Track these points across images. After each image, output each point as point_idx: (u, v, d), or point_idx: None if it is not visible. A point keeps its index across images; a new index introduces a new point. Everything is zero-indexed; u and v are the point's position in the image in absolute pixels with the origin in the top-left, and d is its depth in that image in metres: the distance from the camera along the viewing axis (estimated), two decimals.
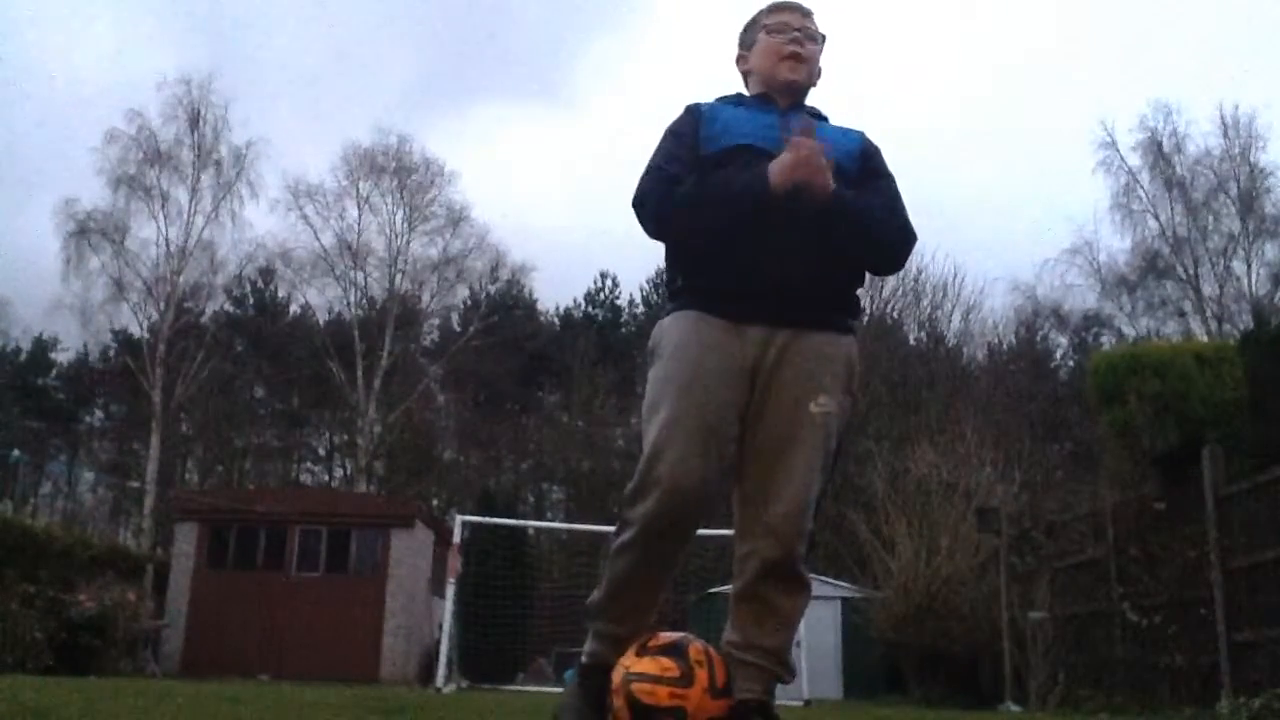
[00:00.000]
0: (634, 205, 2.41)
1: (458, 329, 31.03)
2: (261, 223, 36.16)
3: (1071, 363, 29.12)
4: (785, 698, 11.14)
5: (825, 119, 2.59)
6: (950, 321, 26.23)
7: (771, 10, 2.60)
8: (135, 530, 24.73)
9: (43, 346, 33.38)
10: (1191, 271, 25.02)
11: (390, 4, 41.86)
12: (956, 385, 22.45)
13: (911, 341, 25.74)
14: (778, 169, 2.24)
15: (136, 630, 13.18)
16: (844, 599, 15.12)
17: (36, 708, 3.34)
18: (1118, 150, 25.69)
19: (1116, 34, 38.40)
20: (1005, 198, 37.19)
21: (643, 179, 2.43)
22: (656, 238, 2.45)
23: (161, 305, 25.47)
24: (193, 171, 25.81)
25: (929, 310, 25.99)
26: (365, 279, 28.08)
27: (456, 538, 11.51)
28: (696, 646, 2.22)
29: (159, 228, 25.52)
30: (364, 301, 28.37)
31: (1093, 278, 26.33)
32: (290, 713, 3.84)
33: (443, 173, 28.11)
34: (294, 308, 31.52)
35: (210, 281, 26.79)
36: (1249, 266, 24.89)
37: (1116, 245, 28.85)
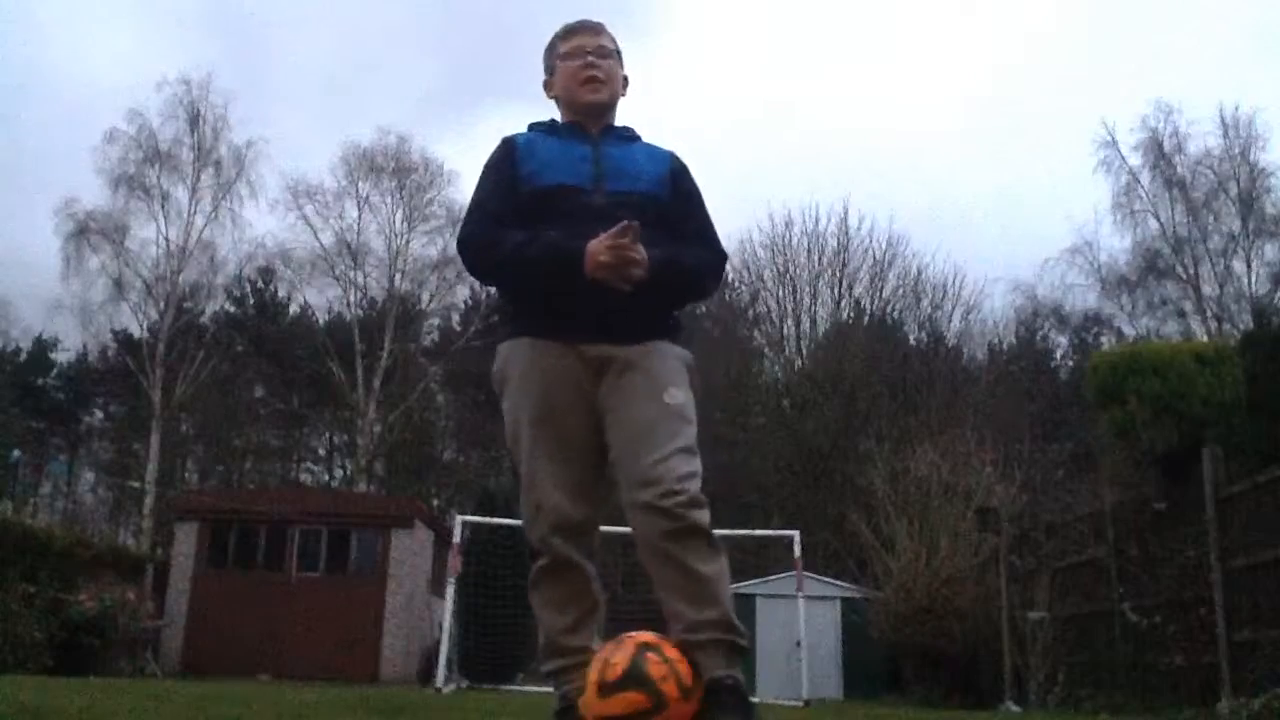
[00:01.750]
0: (458, 247, 2.52)
1: (458, 329, 31.03)
2: (261, 223, 36.21)
3: (1071, 363, 29.10)
4: (785, 697, 11.14)
5: (637, 138, 2.66)
6: (950, 321, 26.24)
7: (564, 36, 2.65)
8: (135, 530, 24.72)
9: (43, 346, 33.36)
10: (1191, 271, 25.02)
11: (398, 10, 41.85)
12: (956, 385, 22.44)
13: (911, 341, 25.73)
14: (591, 259, 2.31)
15: (136, 630, 13.17)
16: (844, 599, 15.12)
17: (36, 708, 3.34)
18: (1118, 150, 25.71)
19: (1117, 34, 38.40)
20: (1005, 197, 37.20)
21: (465, 220, 2.54)
22: (477, 280, 2.59)
23: (161, 305, 25.49)
24: (192, 171, 25.84)
25: (929, 310, 26.01)
26: (365, 279, 28.12)
27: (456, 538, 11.50)
28: (652, 658, 2.15)
29: (159, 227, 25.58)
30: (364, 301, 28.40)
31: (1093, 278, 26.34)
32: (290, 713, 3.84)
33: (442, 172, 28.16)
34: (294, 308, 31.58)
35: (210, 281, 26.86)
36: (1249, 266, 24.90)
37: (1117, 245, 28.88)
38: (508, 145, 2.57)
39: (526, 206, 2.45)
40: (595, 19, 2.68)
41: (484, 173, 2.57)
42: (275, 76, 41.46)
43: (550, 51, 2.67)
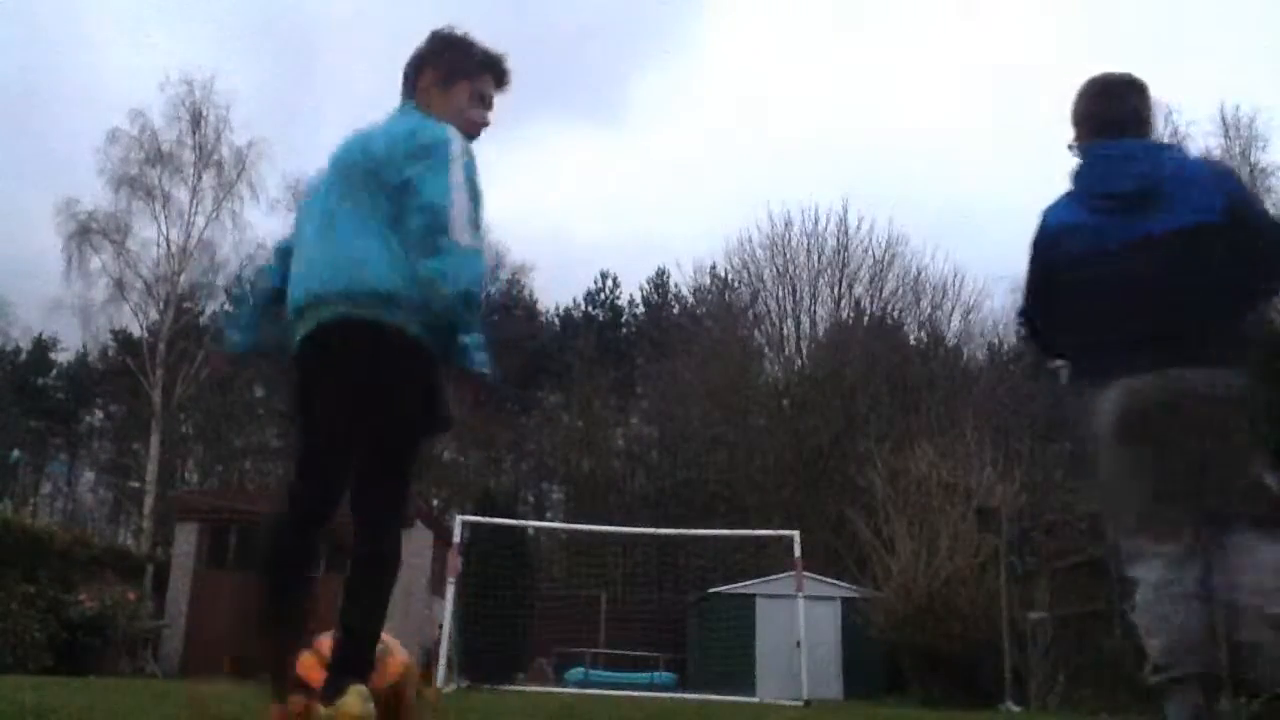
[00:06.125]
0: None
1: None
2: (262, 223, 36.13)
3: None
4: (785, 697, 11.14)
5: None
6: (950, 321, 26.22)
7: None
8: (135, 530, 24.71)
9: (43, 346, 33.36)
10: None
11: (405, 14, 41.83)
12: (956, 385, 22.43)
13: (911, 341, 25.72)
14: None
15: (136, 630, 13.16)
16: (844, 599, 15.11)
17: (36, 708, 3.34)
18: None
19: (1117, 33, 38.38)
20: (1006, 197, 37.16)
21: None
22: None
23: (162, 305, 25.48)
24: (194, 172, 25.81)
25: (929, 310, 26.00)
26: None
27: (456, 538, 11.51)
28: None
29: (160, 228, 25.52)
30: None
31: None
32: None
33: None
34: None
35: (211, 281, 26.85)
36: None
37: None
38: None
39: None
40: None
41: None
42: (282, 78, 41.44)
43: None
